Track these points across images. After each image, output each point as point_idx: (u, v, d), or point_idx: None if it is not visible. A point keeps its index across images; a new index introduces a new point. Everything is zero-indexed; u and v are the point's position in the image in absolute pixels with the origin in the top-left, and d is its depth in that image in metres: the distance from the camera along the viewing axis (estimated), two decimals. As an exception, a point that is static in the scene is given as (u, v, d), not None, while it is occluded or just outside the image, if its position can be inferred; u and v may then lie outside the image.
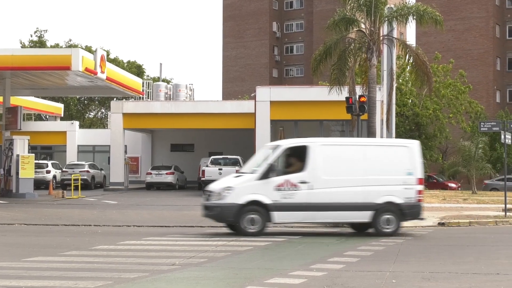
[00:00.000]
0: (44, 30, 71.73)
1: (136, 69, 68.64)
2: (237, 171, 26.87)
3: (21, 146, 35.75)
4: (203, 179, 39.37)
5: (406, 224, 21.47)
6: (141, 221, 24.45)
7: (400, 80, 53.19)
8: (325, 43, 30.49)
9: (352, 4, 30.09)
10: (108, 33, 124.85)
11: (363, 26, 30.60)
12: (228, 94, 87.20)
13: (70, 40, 71.34)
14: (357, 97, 28.82)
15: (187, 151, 51.51)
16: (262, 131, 39.69)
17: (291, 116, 40.07)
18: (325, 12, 79.58)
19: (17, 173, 34.99)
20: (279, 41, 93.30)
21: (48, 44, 70.23)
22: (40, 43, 69.33)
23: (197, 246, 17.18)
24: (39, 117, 65.76)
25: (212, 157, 41.14)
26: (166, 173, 45.75)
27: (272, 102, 39.76)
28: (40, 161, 45.57)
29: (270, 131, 39.83)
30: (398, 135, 42.93)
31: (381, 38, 30.92)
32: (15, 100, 42.98)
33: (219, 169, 39.07)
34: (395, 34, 34.18)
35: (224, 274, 13.39)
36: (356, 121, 29.77)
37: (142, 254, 15.72)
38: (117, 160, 44.66)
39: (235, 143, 47.13)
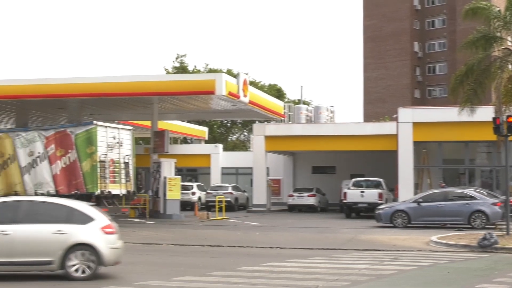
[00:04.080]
0: (183, 55, 74.16)
1: (276, 92, 69.39)
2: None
3: (168, 168, 36.93)
4: (345, 201, 39.20)
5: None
6: (284, 243, 24.58)
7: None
8: (466, 63, 29.57)
9: (497, 23, 29.02)
10: (246, 57, 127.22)
11: (509, 43, 29.44)
12: (369, 115, 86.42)
13: (207, 64, 73.27)
14: (505, 117, 27.74)
15: (328, 173, 51.38)
16: (405, 153, 39.08)
17: (434, 137, 39.22)
18: (469, 30, 77.05)
19: (165, 195, 36.13)
20: (421, 61, 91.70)
21: (189, 68, 72.44)
22: (182, 69, 71.63)
23: (340, 269, 17.07)
24: (184, 140, 67.78)
25: (354, 179, 40.84)
26: (308, 195, 45.85)
27: (414, 124, 39.09)
28: (186, 183, 46.90)
29: (413, 153, 39.15)
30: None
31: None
32: (162, 124, 44.56)
33: (361, 192, 38.75)
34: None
35: (368, 298, 13.21)
36: (503, 142, 28.67)
37: (286, 276, 15.80)
38: (259, 182, 45.22)
39: (377, 165, 46.58)
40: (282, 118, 48.58)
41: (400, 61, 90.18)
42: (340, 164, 50.91)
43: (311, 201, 45.81)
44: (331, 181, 49.36)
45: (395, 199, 38.90)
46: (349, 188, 39.71)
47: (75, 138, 30.17)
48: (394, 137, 39.92)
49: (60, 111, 42.18)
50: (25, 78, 37.41)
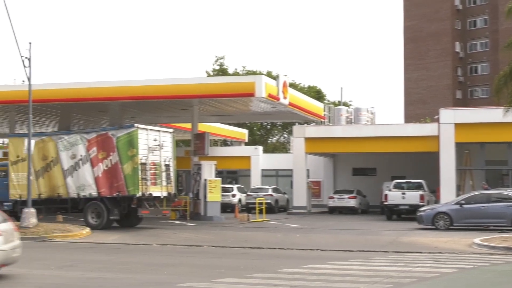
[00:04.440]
0: (222, 57, 74.38)
1: (316, 94, 69.24)
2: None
3: (208, 170, 37.10)
4: (386, 203, 38.95)
5: None
6: (324, 245, 24.52)
7: None
8: (510, 63, 29.14)
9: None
10: (286, 58, 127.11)
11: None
12: (410, 117, 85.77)
13: (245, 66, 73.38)
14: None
15: (369, 175, 51.12)
16: (447, 154, 38.71)
17: (477, 138, 38.77)
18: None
19: (205, 197, 36.31)
20: (463, 61, 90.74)
21: (229, 71, 72.66)
22: (221, 71, 71.89)
23: (382, 272, 16.96)
24: (224, 143, 68.00)
25: (395, 181, 40.54)
26: (349, 197, 45.70)
27: (456, 125, 38.71)
28: (226, 185, 47.05)
29: (455, 154, 38.76)
30: None
31: None
32: (202, 127, 44.77)
33: (402, 194, 38.47)
34: None
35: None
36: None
37: (327, 278, 15.75)
38: (299, 184, 45.16)
39: (418, 167, 46.21)
40: (322, 120, 48.47)
41: (441, 61, 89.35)
42: (381, 166, 50.62)
43: (352, 203, 45.66)
44: (372, 183, 49.09)
45: (436, 201, 38.54)
46: (390, 190, 39.45)
47: (117, 141, 30.43)
48: (436, 138, 39.56)
49: (102, 114, 42.66)
50: (67, 82, 37.90)
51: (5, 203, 33.62)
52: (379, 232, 30.18)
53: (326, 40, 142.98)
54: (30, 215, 28.54)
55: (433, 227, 31.15)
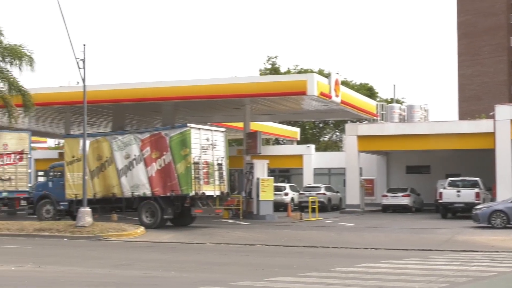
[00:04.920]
0: (274, 57, 74.31)
1: (368, 91, 68.73)
2: None
3: (261, 169, 37.14)
4: (441, 201, 38.47)
5: None
6: (378, 244, 24.34)
7: None
8: None
9: None
10: (337, 56, 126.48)
11: None
12: (464, 113, 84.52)
13: (297, 65, 73.14)
14: None
15: (423, 173, 50.57)
16: (503, 151, 38.03)
17: (534, 134, 38.01)
18: None
19: (258, 196, 36.36)
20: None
21: (281, 70, 72.56)
22: (273, 70, 71.87)
23: (437, 271, 16.74)
24: (276, 141, 68.00)
25: (450, 179, 40.01)
26: (402, 196, 45.36)
27: (513, 121, 38.02)
28: (279, 184, 47.08)
29: (511, 151, 38.04)
30: None
31: None
32: (254, 126, 44.86)
33: (457, 191, 37.94)
34: None
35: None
36: None
37: (381, 277, 15.61)
38: (352, 183, 44.91)
39: (474, 164, 45.54)
40: (375, 118, 48.12)
41: (496, 57, 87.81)
42: (435, 164, 50.02)
43: (406, 201, 45.31)
44: (426, 180, 48.57)
45: (493, 198, 37.92)
46: (444, 188, 38.94)
47: (170, 141, 30.69)
48: (491, 135, 38.90)
49: (155, 114, 43.08)
50: (121, 83, 38.35)
51: (61, 203, 34.22)
52: (433, 230, 29.83)
53: (378, 37, 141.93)
54: (85, 214, 28.98)
55: (489, 225, 30.66)
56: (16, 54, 31.45)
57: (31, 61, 31.70)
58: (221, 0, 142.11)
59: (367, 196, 48.65)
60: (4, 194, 35.21)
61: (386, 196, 45.95)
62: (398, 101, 65.97)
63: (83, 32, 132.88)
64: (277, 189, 43.62)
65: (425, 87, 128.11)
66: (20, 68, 31.54)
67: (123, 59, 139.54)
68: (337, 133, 74.74)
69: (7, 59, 31.68)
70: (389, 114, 51.41)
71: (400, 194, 45.53)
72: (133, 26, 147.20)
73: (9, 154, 35.24)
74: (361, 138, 44.80)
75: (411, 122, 49.37)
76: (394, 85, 69.61)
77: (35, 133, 47.89)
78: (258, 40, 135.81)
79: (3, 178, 35.00)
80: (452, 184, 39.01)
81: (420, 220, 37.01)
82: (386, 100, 66.72)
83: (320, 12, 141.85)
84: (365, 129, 45.95)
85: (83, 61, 29.22)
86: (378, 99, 67.92)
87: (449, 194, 38.05)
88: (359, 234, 28.26)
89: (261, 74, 70.81)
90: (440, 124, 44.87)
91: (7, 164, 35.22)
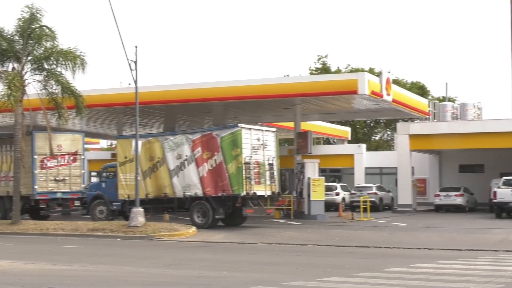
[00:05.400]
0: (324, 56, 74.02)
1: (419, 90, 68.00)
2: None
3: (311, 169, 37.04)
4: (495, 201, 37.82)
5: None
6: (431, 244, 24.07)
7: None
8: None
9: None
10: (388, 54, 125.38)
11: None
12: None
13: (349, 65, 72.68)
14: None
15: (476, 172, 49.80)
16: (560, 149, 37.24)
17: None
18: None
19: (309, 196, 36.25)
20: None
21: (331, 69, 72.24)
22: (324, 70, 71.61)
23: (492, 271, 16.47)
24: (327, 141, 67.75)
25: (504, 178, 39.29)
26: (455, 195, 44.78)
27: None
28: (330, 184, 46.90)
29: None
30: None
31: None
32: (304, 125, 44.77)
33: (512, 191, 37.27)
34: None
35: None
36: None
37: (435, 278, 15.42)
38: (404, 182, 44.44)
39: (529, 163, 44.69)
40: (427, 116, 47.59)
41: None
42: (489, 162, 49.23)
43: (459, 200, 44.72)
44: (480, 180, 47.82)
45: (548, 197, 37.10)
46: (499, 187, 38.27)
47: (221, 141, 30.82)
48: (547, 133, 38.11)
49: (205, 115, 43.32)
50: (172, 84, 38.63)
51: (114, 203, 34.64)
52: (488, 230, 29.36)
53: (430, 34, 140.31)
54: (138, 214, 29.28)
55: (546, 225, 30.05)
56: (69, 57, 31.93)
57: (83, 64, 32.14)
58: (272, 0, 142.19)
59: (419, 196, 48.14)
60: (59, 195, 35.78)
61: (439, 195, 45.42)
62: (450, 99, 65.12)
63: (134, 33, 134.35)
64: (328, 188, 43.44)
65: (478, 85, 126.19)
66: (73, 71, 31.97)
67: (174, 59, 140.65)
68: (389, 132, 74.16)
69: (61, 63, 32.16)
70: (441, 112, 50.76)
71: (453, 193, 44.96)
72: (183, 26, 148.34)
73: (63, 155, 35.79)
74: (413, 137, 44.32)
75: (464, 120, 48.65)
76: (447, 83, 68.79)
77: (88, 134, 48.58)
78: (308, 39, 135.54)
79: (57, 179, 35.57)
80: (507, 183, 38.31)
81: (473, 219, 36.47)
82: (438, 99, 65.95)
83: (371, 10, 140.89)
84: (417, 128, 45.44)
85: (135, 62, 29.54)
86: (430, 97, 67.19)
87: (503, 193, 37.39)
88: (412, 234, 27.98)
89: (311, 74, 70.63)
90: (494, 122, 44.12)
91: (61, 165, 35.78)
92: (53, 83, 32.49)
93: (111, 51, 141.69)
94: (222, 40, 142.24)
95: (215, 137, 31.08)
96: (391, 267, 17.26)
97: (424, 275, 15.84)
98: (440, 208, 45.14)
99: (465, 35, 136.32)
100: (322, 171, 41.95)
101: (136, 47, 29.45)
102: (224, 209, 31.25)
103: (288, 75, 59.58)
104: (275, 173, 31.94)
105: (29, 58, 32.35)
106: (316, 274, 16.13)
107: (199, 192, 31.43)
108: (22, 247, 24.36)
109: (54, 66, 32.35)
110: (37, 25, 32.16)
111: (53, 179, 35.47)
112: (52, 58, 32.15)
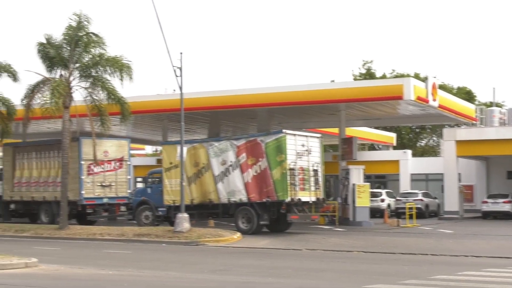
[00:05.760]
0: (370, 61, 73.58)
1: (466, 95, 67.14)
2: None
3: (356, 175, 36.84)
4: (545, 208, 37.16)
5: None
6: (479, 251, 23.72)
7: None
8: None
9: None
10: (433, 59, 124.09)
11: None
12: None
13: (394, 70, 72.08)
14: None
15: (525, 179, 48.98)
16: None
17: None
18: None
19: (354, 202, 36.06)
20: None
21: (376, 74, 71.74)
22: (369, 75, 71.19)
23: (542, 280, 16.17)
24: (372, 147, 67.31)
25: (554, 184, 38.64)
26: (503, 202, 44.11)
27: None
28: (375, 190, 46.57)
29: None
30: None
31: None
32: (349, 131, 44.54)
33: (561, 197, 36.59)
34: None
35: None
36: None
37: (483, 286, 15.19)
38: (451, 189, 43.90)
39: None
40: (474, 122, 46.98)
41: None
42: (539, 169, 48.36)
43: (507, 207, 44.03)
44: (528, 186, 47.00)
45: None
46: (548, 194, 37.60)
47: (265, 147, 30.84)
48: None
49: (250, 121, 43.38)
50: (216, 90, 38.79)
51: (160, 209, 34.89)
52: (538, 238, 28.83)
53: (477, 39, 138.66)
54: (183, 220, 29.43)
55: None
56: (116, 65, 32.25)
57: (130, 71, 32.41)
58: (316, 5, 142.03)
59: (466, 202, 47.49)
60: (105, 200, 36.18)
61: (486, 202, 44.79)
62: (498, 105, 64.15)
63: (179, 40, 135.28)
64: (373, 195, 43.15)
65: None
66: (121, 79, 32.22)
67: (218, 65, 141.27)
68: (434, 138, 73.35)
69: (108, 71, 32.50)
70: (488, 118, 50.05)
71: (501, 200, 44.28)
72: (228, 32, 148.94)
73: (109, 161, 36.19)
74: (459, 143, 43.79)
75: (512, 126, 47.85)
76: (494, 88, 67.77)
77: (134, 140, 49.03)
78: (352, 45, 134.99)
79: (104, 184, 35.97)
80: (556, 190, 37.64)
81: (522, 227, 35.87)
82: (485, 104, 65.04)
83: (416, 15, 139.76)
84: (464, 133, 44.88)
85: (180, 69, 29.76)
86: (476, 102, 66.33)
87: (552, 200, 36.73)
88: (459, 241, 27.61)
89: (355, 79, 70.28)
90: (542, 127, 43.32)
91: (107, 170, 36.18)
92: (100, 90, 32.86)
93: (156, 57, 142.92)
94: (267, 46, 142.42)
95: (260, 143, 31.10)
96: (437, 275, 17.05)
97: (471, 283, 15.61)
98: (488, 215, 44.50)
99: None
100: (367, 177, 41.67)
101: (181, 53, 29.70)
102: (269, 215, 31.24)
103: (333, 81, 59.35)
104: (320, 179, 31.84)
105: (77, 65, 32.76)
106: (361, 280, 16.02)
107: (244, 198, 31.47)
108: (69, 252, 24.68)
109: (101, 73, 32.70)
110: (84, 32, 32.55)
111: (99, 184, 35.89)
112: (99, 66, 32.50)
